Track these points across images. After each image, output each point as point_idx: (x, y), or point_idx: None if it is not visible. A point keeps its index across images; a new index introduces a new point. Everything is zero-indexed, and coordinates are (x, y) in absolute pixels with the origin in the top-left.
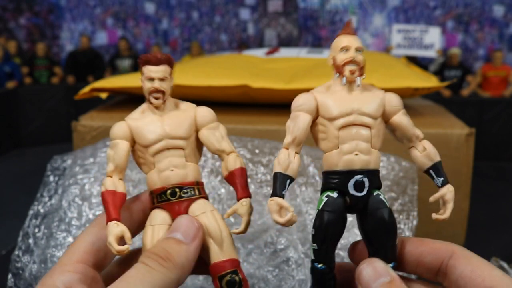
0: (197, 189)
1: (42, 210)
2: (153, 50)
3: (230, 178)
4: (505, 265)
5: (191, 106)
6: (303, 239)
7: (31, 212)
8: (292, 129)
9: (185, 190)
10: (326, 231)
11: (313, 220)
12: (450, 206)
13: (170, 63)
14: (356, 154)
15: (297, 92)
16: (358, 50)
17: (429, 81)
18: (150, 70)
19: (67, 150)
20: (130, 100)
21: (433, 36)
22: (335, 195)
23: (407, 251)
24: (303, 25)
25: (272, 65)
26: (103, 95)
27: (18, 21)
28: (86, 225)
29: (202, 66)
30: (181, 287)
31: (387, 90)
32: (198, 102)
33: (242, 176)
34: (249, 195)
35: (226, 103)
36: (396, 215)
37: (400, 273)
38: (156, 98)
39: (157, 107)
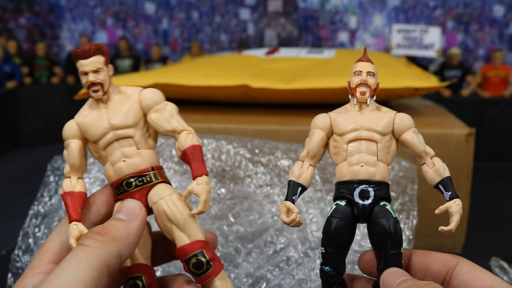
0: (153, 175)
1: (42, 210)
2: (153, 50)
3: (183, 158)
4: (505, 265)
5: (136, 90)
6: (302, 238)
7: (31, 212)
8: (307, 144)
9: (140, 179)
10: (333, 236)
11: (312, 219)
12: (455, 219)
13: (101, 53)
14: (362, 166)
15: (297, 92)
16: (369, 73)
17: (429, 81)
18: (82, 64)
19: None
20: None
21: (433, 36)
22: (343, 203)
23: (416, 259)
24: (303, 25)
25: (272, 65)
26: None
27: (18, 21)
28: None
29: (202, 66)
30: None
31: (387, 90)
32: (199, 102)
33: (194, 153)
34: (204, 173)
35: (226, 103)
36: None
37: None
38: (95, 91)
39: (99, 100)
